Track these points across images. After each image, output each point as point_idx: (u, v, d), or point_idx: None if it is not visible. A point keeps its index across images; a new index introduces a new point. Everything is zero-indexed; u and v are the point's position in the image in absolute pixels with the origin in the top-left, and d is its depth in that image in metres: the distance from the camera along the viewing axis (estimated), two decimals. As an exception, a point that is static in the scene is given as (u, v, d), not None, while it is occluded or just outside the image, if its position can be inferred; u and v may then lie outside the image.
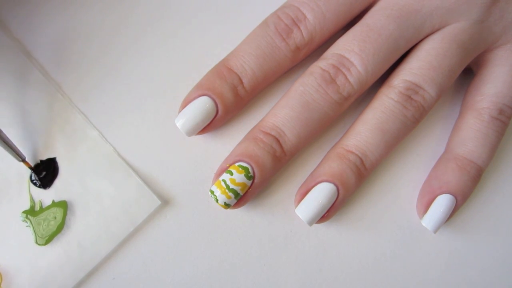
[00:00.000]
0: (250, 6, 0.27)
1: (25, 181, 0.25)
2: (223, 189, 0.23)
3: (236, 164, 0.23)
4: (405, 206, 0.26)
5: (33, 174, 0.25)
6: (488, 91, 0.25)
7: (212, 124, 0.25)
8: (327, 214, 0.24)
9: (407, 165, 0.26)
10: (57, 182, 0.25)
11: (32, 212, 0.25)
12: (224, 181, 0.23)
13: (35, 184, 0.25)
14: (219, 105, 0.24)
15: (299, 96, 0.24)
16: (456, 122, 0.26)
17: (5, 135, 0.23)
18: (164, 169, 0.26)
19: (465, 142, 0.25)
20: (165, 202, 0.26)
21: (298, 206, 0.24)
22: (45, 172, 0.25)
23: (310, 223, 0.24)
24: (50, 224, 0.25)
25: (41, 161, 0.25)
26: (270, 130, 0.24)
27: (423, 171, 0.26)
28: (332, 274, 0.25)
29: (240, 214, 0.26)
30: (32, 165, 0.25)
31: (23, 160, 0.24)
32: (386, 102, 0.24)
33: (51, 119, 0.26)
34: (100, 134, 0.26)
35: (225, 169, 0.24)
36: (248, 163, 0.23)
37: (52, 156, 0.26)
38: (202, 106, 0.24)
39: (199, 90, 0.24)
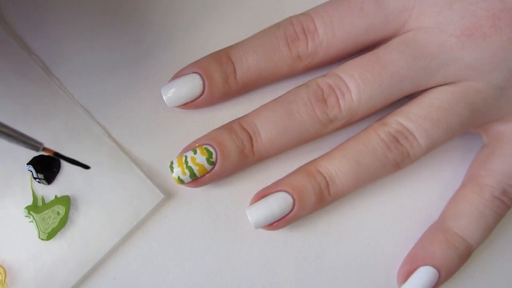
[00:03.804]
0: (254, 6, 0.28)
1: (28, 176, 0.25)
2: (181, 163, 0.24)
3: (203, 146, 0.24)
4: (405, 206, 0.26)
5: (34, 172, 0.25)
6: (495, 168, 0.23)
7: (195, 103, 0.25)
8: (276, 223, 0.24)
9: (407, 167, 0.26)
10: (59, 178, 0.26)
11: (34, 207, 0.25)
12: (186, 157, 0.24)
13: (38, 182, 0.25)
14: (206, 86, 0.24)
15: (286, 103, 0.24)
16: (456, 192, 0.25)
17: (13, 129, 0.19)
18: (167, 163, 0.26)
19: (460, 216, 0.24)
20: (168, 196, 0.26)
21: (250, 206, 0.24)
22: (47, 166, 0.25)
23: (256, 225, 0.24)
24: (53, 219, 0.25)
25: (44, 156, 0.25)
26: (247, 126, 0.24)
27: (422, 171, 0.26)
28: (332, 274, 0.25)
29: (240, 214, 0.26)
30: (33, 157, 0.25)
31: (44, 149, 0.21)
32: (372, 137, 0.23)
33: (53, 116, 0.26)
34: (102, 130, 0.26)
35: (192, 147, 0.24)
36: (214, 148, 0.24)
37: (54, 152, 0.26)
38: (190, 81, 0.24)
39: (193, 67, 0.25)
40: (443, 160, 0.26)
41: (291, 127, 0.23)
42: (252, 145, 0.24)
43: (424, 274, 0.23)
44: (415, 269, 0.24)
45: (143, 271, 0.25)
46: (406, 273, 0.24)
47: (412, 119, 0.23)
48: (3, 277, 0.24)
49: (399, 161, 0.23)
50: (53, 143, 0.26)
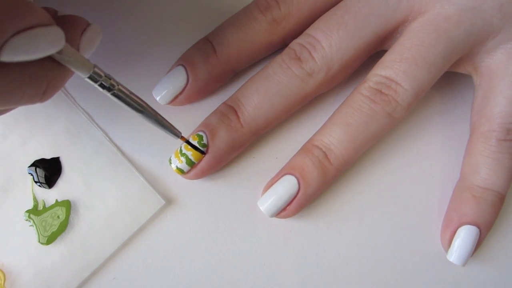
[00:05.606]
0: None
1: (29, 180, 0.25)
2: (177, 153, 0.24)
3: (195, 133, 0.24)
4: (405, 205, 0.26)
5: (35, 175, 0.25)
6: (491, 112, 0.23)
7: (185, 94, 0.25)
8: (289, 207, 0.24)
9: (406, 163, 0.27)
10: (60, 182, 0.25)
11: (35, 211, 0.25)
12: (180, 147, 0.24)
13: (39, 186, 0.25)
14: (189, 72, 0.25)
15: (263, 71, 0.25)
16: (466, 146, 0.25)
17: (160, 115, 0.22)
18: (168, 169, 0.26)
19: (477, 169, 0.24)
20: (168, 201, 0.26)
21: (261, 197, 0.24)
22: (48, 170, 0.25)
23: (268, 213, 0.24)
24: (53, 223, 0.25)
25: (45, 160, 0.25)
26: (231, 102, 0.25)
27: (422, 168, 0.27)
28: (332, 274, 0.26)
29: (240, 214, 0.26)
30: (34, 160, 0.25)
31: (181, 137, 0.23)
32: (355, 97, 0.23)
33: (55, 119, 0.26)
34: (104, 134, 0.26)
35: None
36: (204, 131, 0.24)
37: (56, 156, 0.26)
38: (174, 73, 0.25)
39: (177, 62, 0.25)
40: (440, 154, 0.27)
41: (271, 88, 0.24)
42: (239, 117, 0.24)
43: (465, 233, 0.24)
44: (454, 232, 0.24)
45: (143, 271, 0.25)
46: (448, 238, 0.24)
47: (388, 66, 0.23)
48: (2, 281, 0.24)
49: (389, 111, 0.23)
50: (54, 147, 0.26)
